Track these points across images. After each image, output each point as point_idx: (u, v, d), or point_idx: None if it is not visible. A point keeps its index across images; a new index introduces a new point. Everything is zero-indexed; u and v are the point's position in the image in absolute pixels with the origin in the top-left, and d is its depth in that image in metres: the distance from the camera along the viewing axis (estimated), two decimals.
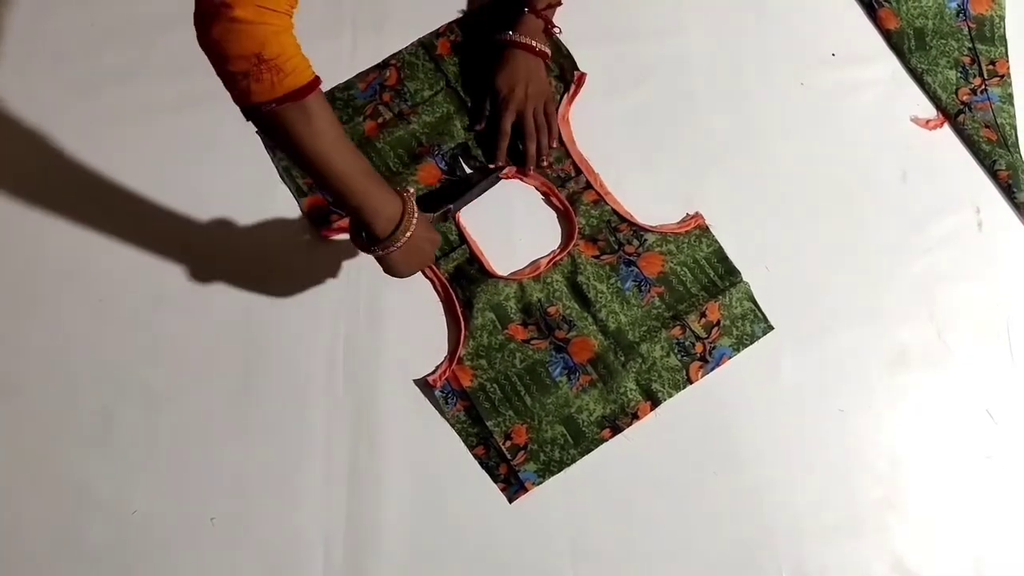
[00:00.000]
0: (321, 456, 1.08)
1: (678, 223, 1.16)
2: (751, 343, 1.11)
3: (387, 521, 1.05)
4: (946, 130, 1.24)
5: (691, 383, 1.10)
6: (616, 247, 1.16)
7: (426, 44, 1.28)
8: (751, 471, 1.07)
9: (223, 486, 1.07)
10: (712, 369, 1.10)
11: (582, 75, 1.24)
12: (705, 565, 1.04)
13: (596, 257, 1.15)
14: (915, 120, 1.24)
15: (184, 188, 1.20)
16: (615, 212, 1.17)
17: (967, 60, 1.26)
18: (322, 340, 1.13)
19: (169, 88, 1.24)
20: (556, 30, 1.22)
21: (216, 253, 1.17)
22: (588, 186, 1.18)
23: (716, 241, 1.15)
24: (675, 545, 1.04)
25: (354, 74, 1.26)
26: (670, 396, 1.09)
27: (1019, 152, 1.22)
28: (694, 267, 1.14)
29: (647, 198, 1.18)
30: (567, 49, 1.26)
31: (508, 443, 1.08)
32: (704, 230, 1.16)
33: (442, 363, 1.11)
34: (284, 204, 1.20)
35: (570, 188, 1.19)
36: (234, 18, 0.78)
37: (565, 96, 1.23)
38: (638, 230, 1.16)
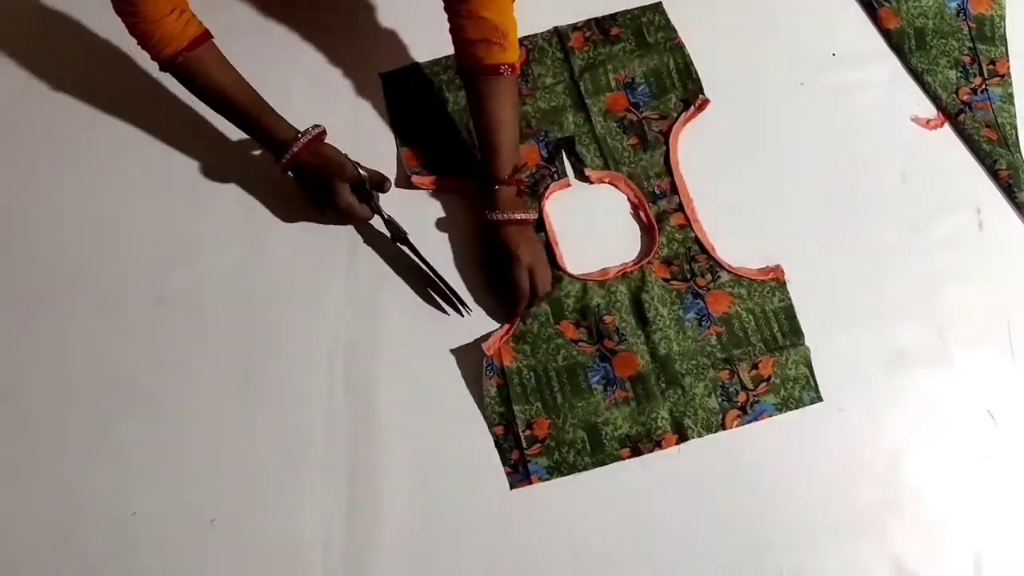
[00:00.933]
0: (321, 457, 1.08)
1: (757, 270, 1.14)
2: (796, 408, 1.08)
3: (387, 522, 1.05)
4: (946, 130, 1.22)
5: (724, 429, 1.08)
6: (689, 276, 1.14)
7: (561, 33, 1.30)
8: (751, 473, 1.06)
9: (223, 488, 1.07)
10: (749, 421, 1.08)
11: (705, 100, 1.23)
12: (705, 565, 1.02)
13: (666, 280, 1.14)
14: (915, 120, 1.23)
15: (181, 188, 1.23)
16: (698, 241, 1.16)
17: (967, 60, 1.25)
18: (322, 341, 1.13)
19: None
20: (526, 190, 1.19)
21: (215, 254, 1.19)
22: (679, 208, 1.18)
23: (789, 298, 1.13)
24: (676, 546, 1.03)
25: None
26: (699, 436, 1.08)
27: (1020, 151, 1.20)
28: (760, 317, 1.12)
29: (728, 238, 1.17)
30: (696, 72, 1.25)
31: (528, 432, 1.08)
32: (781, 284, 1.13)
33: (494, 333, 1.12)
34: (281, 205, 1.21)
35: (661, 206, 1.18)
36: (116, 11, 1.09)
37: (682, 116, 1.23)
38: (715, 265, 1.14)
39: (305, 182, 1.17)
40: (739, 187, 1.20)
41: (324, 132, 1.15)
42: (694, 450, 1.07)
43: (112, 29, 1.27)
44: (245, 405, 1.11)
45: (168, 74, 1.15)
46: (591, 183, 1.21)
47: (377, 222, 1.18)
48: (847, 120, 1.23)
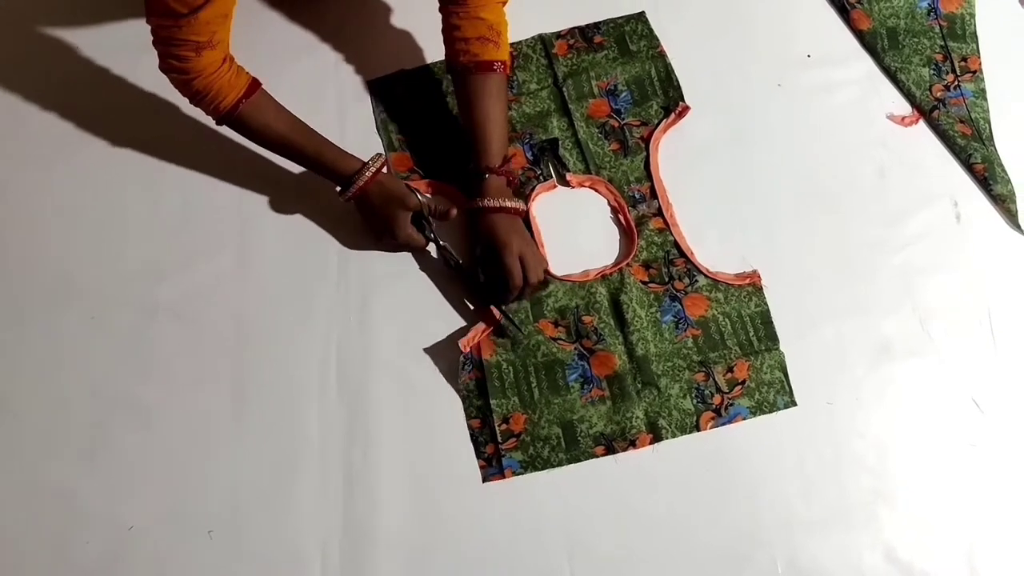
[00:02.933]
0: (316, 464, 1.07)
1: (735, 275, 1.16)
2: (770, 411, 1.09)
3: (384, 528, 1.04)
4: (921, 126, 1.25)
5: (698, 431, 1.08)
6: (667, 279, 1.15)
7: (546, 40, 1.32)
8: (742, 466, 1.06)
9: (219, 498, 1.06)
10: (723, 424, 1.09)
11: (685, 108, 1.25)
12: (699, 560, 1.02)
13: (645, 283, 1.15)
14: (891, 117, 1.25)
15: (170, 198, 1.23)
16: (676, 245, 1.17)
17: (939, 57, 1.29)
18: (314, 346, 1.13)
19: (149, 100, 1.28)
20: (516, 181, 1.20)
21: (205, 264, 1.19)
22: (659, 212, 1.19)
23: (765, 303, 1.14)
24: (669, 541, 1.03)
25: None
26: (673, 436, 1.08)
27: (994, 145, 1.23)
28: (736, 321, 1.13)
29: (708, 240, 1.18)
30: (677, 80, 1.28)
31: (504, 426, 1.08)
32: (757, 289, 1.15)
33: (474, 328, 1.12)
34: (270, 213, 1.22)
35: (640, 210, 1.20)
36: (166, 73, 1.10)
37: (663, 122, 1.25)
38: (693, 269, 1.16)
39: (367, 213, 1.17)
40: (717, 190, 1.22)
41: (386, 161, 1.16)
42: (677, 444, 1.08)
43: (102, 40, 1.31)
44: (239, 414, 1.10)
45: (224, 126, 1.15)
46: (572, 187, 1.23)
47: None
48: (824, 119, 1.26)
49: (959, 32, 1.31)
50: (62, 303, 1.17)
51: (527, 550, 1.03)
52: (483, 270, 1.16)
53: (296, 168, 1.20)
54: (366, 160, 1.14)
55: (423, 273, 1.18)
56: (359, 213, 1.18)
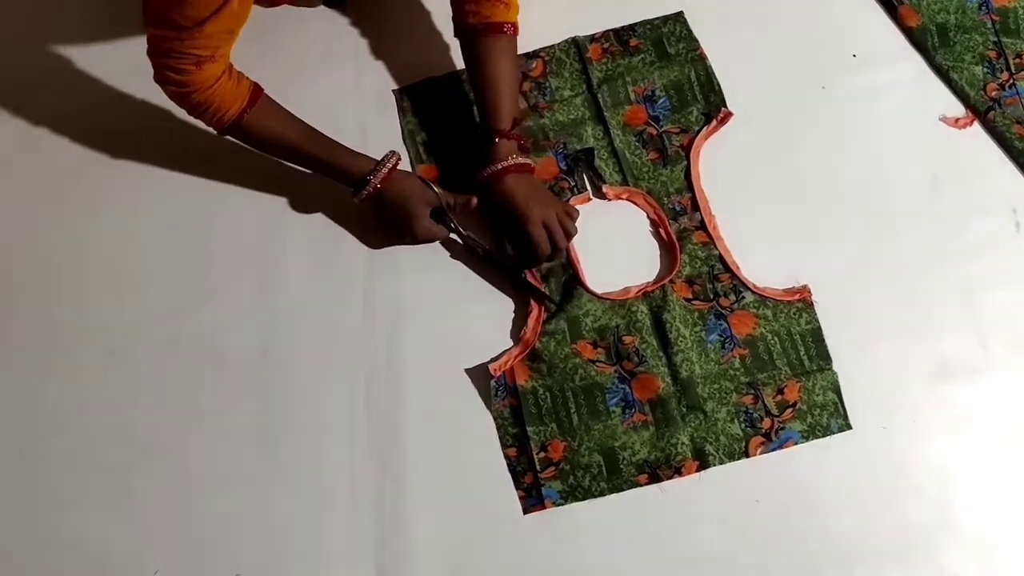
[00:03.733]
0: (346, 502, 1.04)
1: (783, 290, 1.10)
2: (823, 436, 1.03)
3: (419, 569, 1.00)
4: (976, 128, 1.19)
5: (747, 456, 1.03)
6: (712, 296, 1.10)
7: (580, 44, 1.26)
8: (794, 496, 1.01)
9: (247, 539, 1.03)
10: (774, 449, 1.03)
11: (728, 113, 1.19)
12: None
13: (688, 300, 1.10)
14: (944, 120, 1.19)
15: (190, 229, 1.20)
16: (721, 259, 1.11)
17: (993, 54, 1.22)
18: (342, 378, 1.10)
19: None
20: (528, 145, 1.17)
21: (228, 296, 1.16)
22: (701, 225, 1.13)
23: (816, 320, 1.08)
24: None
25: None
26: (721, 463, 1.03)
27: None
28: (786, 339, 1.08)
29: (754, 253, 1.13)
30: (719, 84, 1.22)
31: (542, 454, 1.03)
32: (808, 305, 1.09)
33: (505, 352, 1.08)
34: (293, 242, 1.18)
35: (682, 223, 1.14)
36: (163, 87, 1.07)
37: (704, 129, 1.19)
38: (739, 285, 1.10)
39: (384, 212, 1.13)
40: (762, 201, 1.16)
41: (399, 159, 1.13)
42: (727, 472, 1.03)
43: (121, 67, 1.26)
44: (266, 452, 1.07)
45: (229, 137, 1.12)
46: (609, 200, 1.17)
47: None
48: (872, 123, 1.20)
49: (1012, 27, 1.24)
50: (82, 342, 1.14)
51: None
52: (509, 243, 1.13)
53: (317, 192, 1.17)
54: (378, 159, 1.11)
55: (451, 298, 1.13)
56: (374, 214, 1.14)
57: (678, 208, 1.15)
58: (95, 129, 1.26)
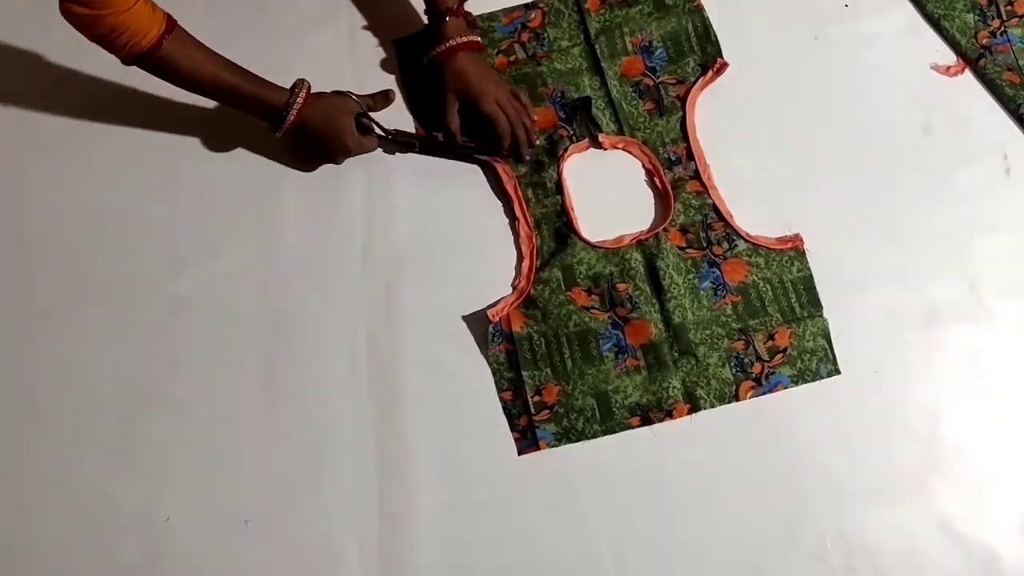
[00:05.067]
0: (349, 450, 1.05)
1: (776, 239, 1.11)
2: (812, 380, 1.06)
3: (420, 512, 1.02)
4: (967, 76, 1.19)
5: (737, 400, 1.05)
6: (705, 244, 1.11)
7: None
8: (786, 439, 1.03)
9: (254, 487, 1.05)
10: (764, 393, 1.05)
11: (724, 64, 1.20)
12: (743, 536, 1.00)
13: (682, 248, 1.11)
14: (935, 68, 1.20)
15: (189, 189, 1.20)
16: (715, 208, 1.13)
17: (984, 2, 1.23)
18: (342, 330, 1.11)
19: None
20: (476, 26, 1.18)
21: (228, 253, 1.16)
22: (696, 175, 1.14)
23: (808, 268, 1.10)
24: (710, 516, 1.01)
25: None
26: (712, 406, 1.05)
27: None
28: (778, 287, 1.09)
29: (747, 202, 1.14)
30: (716, 35, 1.22)
31: (537, 398, 1.05)
32: (800, 253, 1.10)
33: (503, 299, 1.09)
34: (292, 199, 1.18)
35: (676, 172, 1.15)
36: (70, 11, 0.98)
37: (700, 80, 1.20)
38: (732, 233, 1.11)
39: (309, 140, 1.13)
40: (755, 151, 1.16)
41: (310, 85, 1.12)
42: (716, 415, 1.05)
43: None
44: (269, 403, 1.08)
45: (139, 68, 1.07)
46: (605, 149, 1.18)
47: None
48: (864, 72, 1.20)
49: None
50: (85, 299, 1.15)
51: (564, 525, 1.01)
52: (465, 131, 1.14)
53: None
54: (289, 88, 1.10)
55: (450, 249, 1.15)
56: (298, 145, 1.13)
57: (673, 158, 1.16)
58: (84, 90, 1.26)
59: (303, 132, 1.12)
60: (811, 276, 1.09)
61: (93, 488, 1.06)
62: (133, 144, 1.23)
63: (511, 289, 1.11)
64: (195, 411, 1.09)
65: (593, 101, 1.19)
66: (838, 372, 1.06)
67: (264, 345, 1.11)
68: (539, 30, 1.25)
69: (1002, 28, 1.21)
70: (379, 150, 1.19)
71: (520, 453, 1.04)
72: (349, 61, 1.26)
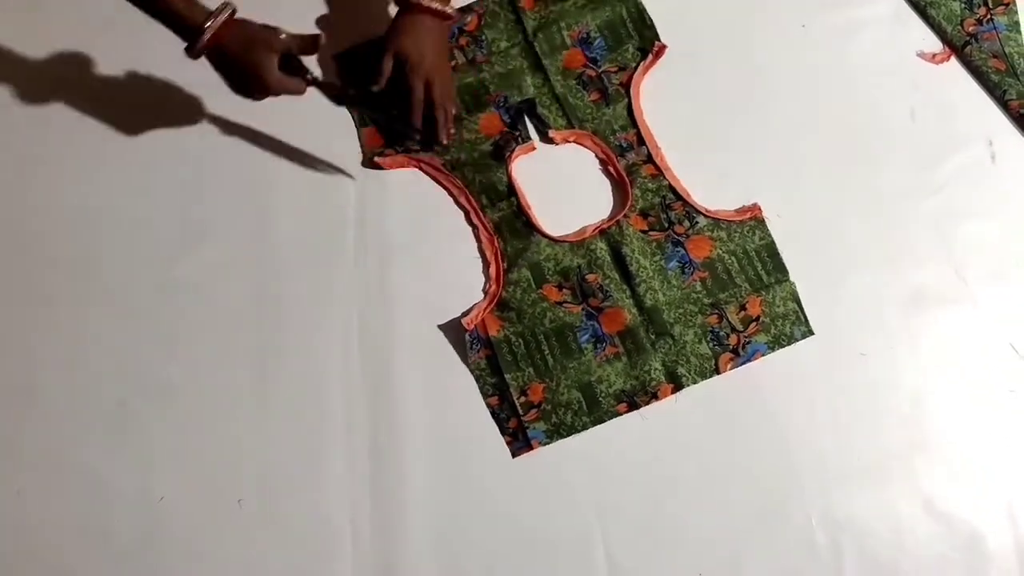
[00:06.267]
0: (342, 429, 1.07)
1: (735, 211, 1.13)
2: (788, 344, 1.08)
3: (413, 494, 1.04)
4: (953, 63, 1.21)
5: (719, 373, 1.07)
6: (666, 225, 1.13)
7: None
8: (774, 421, 1.05)
9: (247, 467, 1.06)
10: (743, 363, 1.07)
11: (662, 47, 1.21)
12: (732, 516, 1.02)
13: (644, 232, 1.13)
14: (921, 55, 1.21)
15: (182, 174, 1.20)
16: (672, 189, 1.14)
17: None
18: (335, 317, 1.11)
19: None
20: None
21: (220, 238, 1.17)
22: (649, 159, 1.16)
23: (769, 235, 1.12)
24: (700, 497, 1.03)
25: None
26: (694, 383, 1.07)
27: None
28: (743, 257, 1.11)
29: (705, 180, 1.15)
30: (651, 20, 1.23)
31: (523, 399, 1.06)
32: (759, 222, 1.12)
33: (475, 306, 1.10)
34: (285, 185, 1.19)
35: (630, 159, 1.17)
36: None
37: (641, 65, 1.21)
38: (691, 211, 1.13)
39: (227, 69, 1.07)
40: (742, 138, 1.18)
41: (235, 9, 1.06)
42: (700, 392, 1.07)
43: (107, 15, 1.23)
44: (263, 388, 1.09)
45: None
46: (556, 144, 1.20)
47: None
48: (851, 60, 1.21)
49: None
50: (81, 285, 1.16)
51: (557, 513, 1.03)
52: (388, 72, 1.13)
53: (308, 137, 1.18)
54: (212, 10, 1.04)
55: (443, 242, 1.16)
56: (217, 72, 1.07)
57: (624, 144, 1.18)
58: (77, 77, 1.26)
59: (221, 59, 1.06)
60: (773, 243, 1.11)
61: (88, 468, 1.07)
62: (129, 132, 1.23)
63: (483, 295, 1.12)
64: (189, 395, 1.10)
65: (538, 101, 1.21)
66: (811, 333, 1.08)
67: (257, 330, 1.12)
68: (476, 33, 1.26)
69: (988, 16, 1.22)
70: (306, 96, 1.14)
71: (515, 456, 1.05)
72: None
